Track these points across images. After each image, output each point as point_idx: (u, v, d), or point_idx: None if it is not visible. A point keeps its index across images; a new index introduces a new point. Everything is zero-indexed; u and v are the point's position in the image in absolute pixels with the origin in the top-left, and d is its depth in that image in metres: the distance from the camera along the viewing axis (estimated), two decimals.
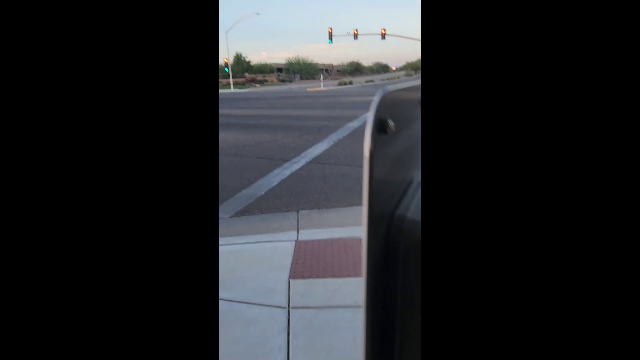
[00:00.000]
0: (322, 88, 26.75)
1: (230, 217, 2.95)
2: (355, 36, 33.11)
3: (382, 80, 41.29)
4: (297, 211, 2.91)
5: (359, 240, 2.25)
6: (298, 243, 2.29)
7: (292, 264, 2.04)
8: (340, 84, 33.83)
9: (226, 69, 35.78)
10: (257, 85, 38.65)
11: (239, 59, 53.98)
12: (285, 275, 1.92)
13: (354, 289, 1.73)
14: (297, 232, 2.47)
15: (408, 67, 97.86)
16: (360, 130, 6.51)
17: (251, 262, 2.08)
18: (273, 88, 32.55)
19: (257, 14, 41.09)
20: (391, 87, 0.37)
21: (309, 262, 2.07)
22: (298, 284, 1.83)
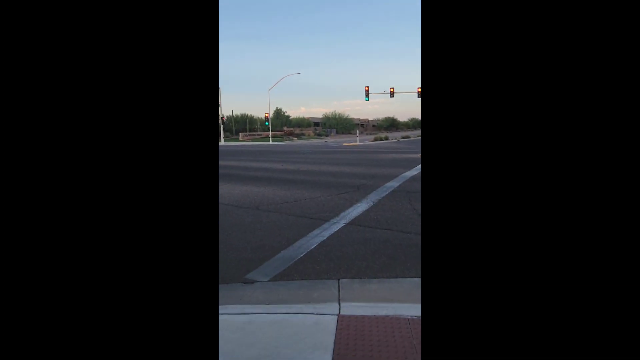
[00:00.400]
0: (357, 143, 27.32)
1: (269, 280, 2.90)
2: (392, 94, 34.23)
3: (418, 136, 41.59)
4: (338, 280, 2.81)
5: (407, 320, 2.11)
6: (340, 318, 2.18)
7: (335, 342, 1.92)
8: (376, 139, 34.46)
9: (266, 122, 37.77)
10: (295, 138, 40.22)
11: (278, 113, 57.05)
12: (329, 356, 1.80)
13: None
14: (339, 305, 2.36)
15: None
16: (400, 190, 6.43)
17: (293, 337, 1.99)
18: (310, 142, 33.69)
19: (299, 73, 43.87)
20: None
21: (352, 343, 1.94)
22: None
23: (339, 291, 2.60)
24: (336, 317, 2.19)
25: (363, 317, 2.19)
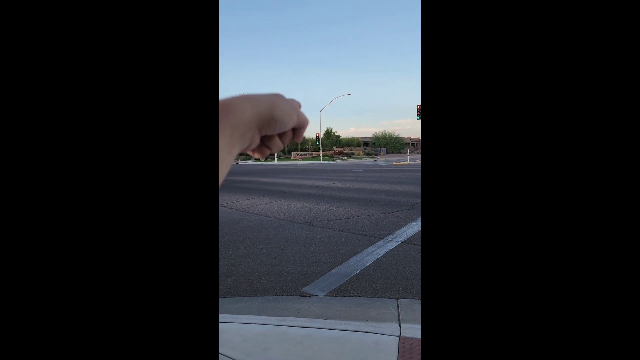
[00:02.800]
0: (408, 162, 26.73)
1: (326, 295, 2.87)
2: None
3: None
4: (397, 299, 2.70)
5: None
6: (402, 340, 2.07)
7: None
8: None
9: (317, 142, 38.47)
10: (344, 157, 40.45)
11: (329, 133, 57.94)
12: None
13: None
14: (400, 326, 2.26)
15: None
16: None
17: (353, 356, 1.92)
18: (359, 161, 33.64)
19: (349, 94, 44.47)
20: None
21: None
22: None
23: (398, 311, 2.49)
24: (397, 338, 2.09)
25: None
